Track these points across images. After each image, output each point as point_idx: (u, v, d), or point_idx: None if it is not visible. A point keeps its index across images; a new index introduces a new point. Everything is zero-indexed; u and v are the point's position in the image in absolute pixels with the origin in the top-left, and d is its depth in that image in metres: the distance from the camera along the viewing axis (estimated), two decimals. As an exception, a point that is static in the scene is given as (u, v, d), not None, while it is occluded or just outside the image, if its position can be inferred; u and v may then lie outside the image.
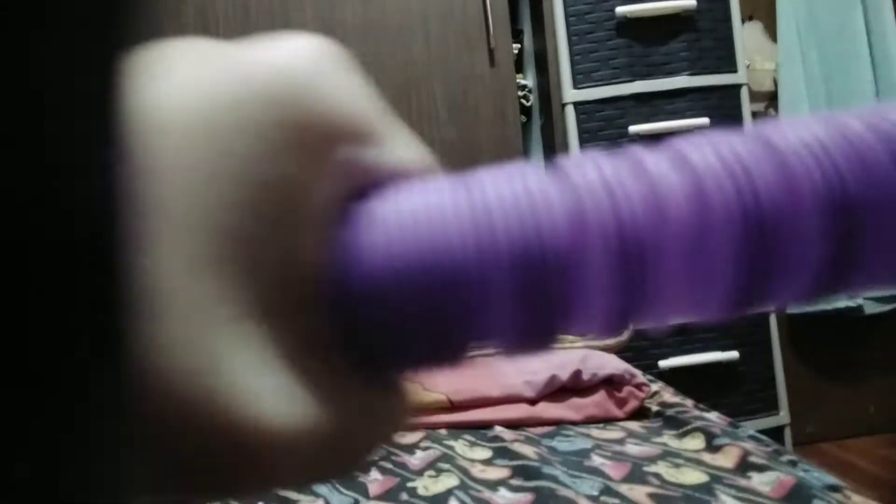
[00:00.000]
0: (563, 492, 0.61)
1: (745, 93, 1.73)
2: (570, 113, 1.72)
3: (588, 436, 0.80)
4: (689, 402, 0.88)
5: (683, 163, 0.15)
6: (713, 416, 0.80)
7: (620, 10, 1.67)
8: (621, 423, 0.84)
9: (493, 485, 0.66)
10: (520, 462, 0.70)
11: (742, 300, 0.16)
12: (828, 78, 2.04)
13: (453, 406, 0.85)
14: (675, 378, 1.63)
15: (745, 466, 0.64)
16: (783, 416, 1.73)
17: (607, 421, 0.86)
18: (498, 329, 0.15)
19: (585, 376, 0.87)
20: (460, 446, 0.77)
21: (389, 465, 0.73)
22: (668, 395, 0.92)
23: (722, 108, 1.71)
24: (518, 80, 1.78)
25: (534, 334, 0.15)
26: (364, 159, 0.15)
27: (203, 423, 0.12)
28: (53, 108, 0.08)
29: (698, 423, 0.76)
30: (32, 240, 0.08)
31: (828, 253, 0.15)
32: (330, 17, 1.70)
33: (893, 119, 0.15)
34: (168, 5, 1.65)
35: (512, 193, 0.15)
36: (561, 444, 0.77)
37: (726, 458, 0.67)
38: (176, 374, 0.11)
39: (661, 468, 0.66)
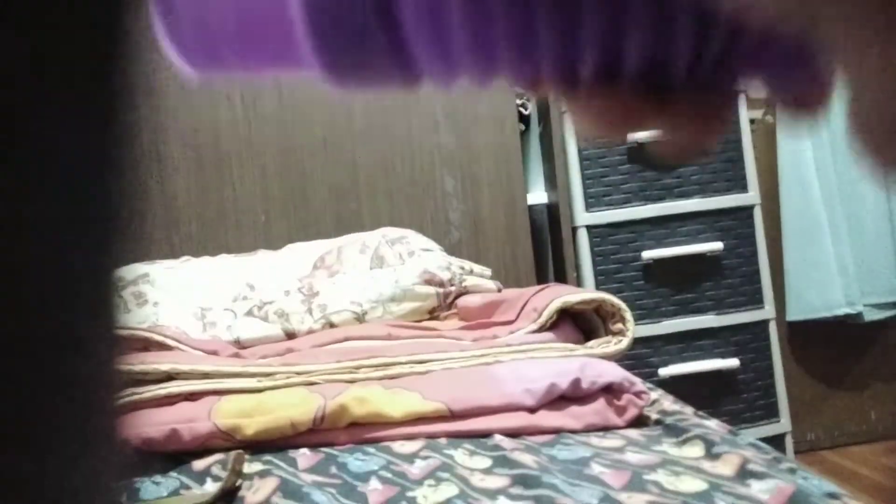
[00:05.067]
0: (562, 500, 0.61)
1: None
2: (569, 120, 1.73)
3: (588, 444, 0.79)
4: (688, 410, 0.88)
5: None
6: (713, 423, 0.80)
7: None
8: (621, 432, 0.84)
9: (493, 493, 0.66)
10: (519, 471, 0.70)
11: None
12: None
13: (453, 415, 0.85)
14: (676, 386, 1.63)
15: (744, 474, 0.64)
16: (784, 424, 1.73)
17: (607, 429, 0.85)
18: None
19: (585, 384, 0.87)
20: (460, 455, 0.77)
21: (389, 475, 0.73)
22: (668, 403, 0.92)
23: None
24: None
25: None
26: None
27: None
28: None
29: (698, 431, 0.76)
30: None
31: None
32: (329, 28, 1.70)
33: None
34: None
35: None
36: (561, 452, 0.77)
37: (725, 466, 0.67)
38: None
39: (661, 476, 0.66)
